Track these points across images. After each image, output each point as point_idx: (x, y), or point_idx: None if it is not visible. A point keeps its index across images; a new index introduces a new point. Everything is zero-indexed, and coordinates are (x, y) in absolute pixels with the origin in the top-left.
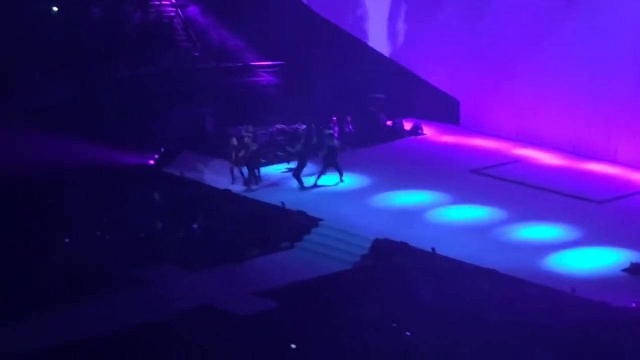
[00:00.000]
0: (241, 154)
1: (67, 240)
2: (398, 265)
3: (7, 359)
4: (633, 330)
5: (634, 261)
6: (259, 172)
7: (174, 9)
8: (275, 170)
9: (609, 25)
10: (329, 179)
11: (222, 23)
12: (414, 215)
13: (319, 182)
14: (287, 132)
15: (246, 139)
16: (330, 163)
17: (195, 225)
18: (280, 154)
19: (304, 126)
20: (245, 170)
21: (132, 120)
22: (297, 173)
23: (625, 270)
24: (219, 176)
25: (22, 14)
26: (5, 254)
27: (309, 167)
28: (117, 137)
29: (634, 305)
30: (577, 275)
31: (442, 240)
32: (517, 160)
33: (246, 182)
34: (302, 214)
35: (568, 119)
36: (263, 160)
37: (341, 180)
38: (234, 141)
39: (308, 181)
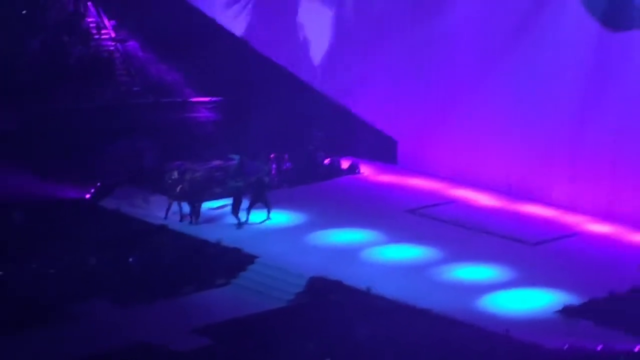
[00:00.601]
0: (182, 187)
1: (0, 273)
2: (333, 304)
3: None
4: None
5: (567, 303)
6: (199, 207)
7: (114, 44)
8: (211, 206)
9: (546, 66)
10: (257, 216)
11: (162, 58)
12: (349, 253)
13: (249, 219)
14: (224, 168)
15: (188, 174)
16: (259, 198)
17: (130, 260)
18: (217, 190)
19: (234, 160)
20: (184, 204)
21: (70, 154)
22: (234, 210)
23: (558, 312)
24: (155, 211)
25: None
26: None
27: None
28: (54, 170)
29: (566, 347)
30: (511, 317)
31: (377, 279)
32: (454, 201)
33: (183, 217)
34: (237, 250)
35: (504, 160)
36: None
37: (268, 218)
38: (175, 174)
39: (244, 217)
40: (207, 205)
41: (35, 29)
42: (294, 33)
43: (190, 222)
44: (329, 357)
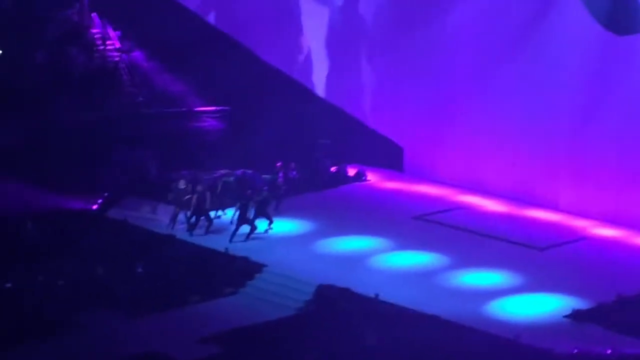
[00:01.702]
0: (190, 197)
1: (8, 285)
2: (341, 312)
3: None
4: None
5: (575, 307)
6: (209, 216)
7: (118, 54)
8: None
9: (550, 71)
10: (260, 226)
11: (167, 68)
12: (357, 261)
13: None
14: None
15: (200, 185)
16: (261, 212)
17: (138, 270)
18: (227, 200)
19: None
20: (189, 214)
21: (76, 165)
22: (240, 221)
23: (567, 316)
24: (162, 221)
25: None
26: None
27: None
28: (60, 181)
29: (576, 351)
30: (520, 322)
31: (385, 286)
32: (460, 207)
33: (191, 227)
34: (245, 259)
35: (511, 165)
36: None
37: (270, 228)
38: (182, 184)
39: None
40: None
41: (39, 41)
42: (299, 41)
43: (192, 232)
44: None
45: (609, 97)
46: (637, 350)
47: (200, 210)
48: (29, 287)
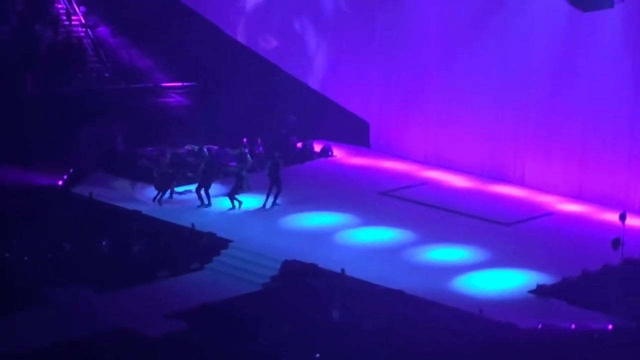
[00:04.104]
0: (159, 171)
1: None
2: (307, 287)
3: None
4: (540, 352)
5: (540, 283)
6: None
7: (84, 29)
8: (177, 190)
9: (516, 47)
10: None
11: (133, 44)
12: (323, 236)
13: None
14: (196, 153)
15: (162, 158)
16: (275, 181)
17: (104, 244)
18: (190, 174)
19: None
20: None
21: (42, 140)
22: (232, 193)
23: (531, 291)
24: (128, 196)
25: None
26: None
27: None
28: (25, 157)
29: (540, 326)
30: (485, 297)
31: (351, 261)
32: (426, 183)
33: (161, 201)
34: (211, 235)
35: (476, 141)
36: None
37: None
38: (146, 159)
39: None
40: (180, 190)
41: (4, 16)
42: (265, 17)
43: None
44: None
45: (575, 73)
46: (602, 325)
47: (167, 185)
48: None
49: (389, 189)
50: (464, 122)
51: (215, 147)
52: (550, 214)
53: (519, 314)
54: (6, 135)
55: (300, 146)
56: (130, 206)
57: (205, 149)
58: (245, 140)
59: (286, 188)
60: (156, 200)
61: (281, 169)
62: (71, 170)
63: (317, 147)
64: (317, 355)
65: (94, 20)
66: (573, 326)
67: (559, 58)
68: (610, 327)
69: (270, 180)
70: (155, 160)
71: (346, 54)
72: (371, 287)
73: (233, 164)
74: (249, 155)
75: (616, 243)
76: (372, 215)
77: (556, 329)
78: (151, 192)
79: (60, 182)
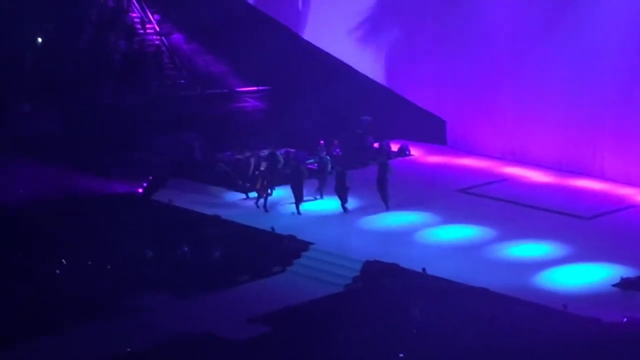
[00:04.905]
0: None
1: (58, 271)
2: (389, 287)
3: None
4: (626, 345)
5: (624, 276)
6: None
7: (158, 37)
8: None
9: (591, 39)
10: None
11: (207, 50)
12: (403, 236)
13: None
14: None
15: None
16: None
17: (185, 249)
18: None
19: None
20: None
21: (120, 149)
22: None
23: (615, 285)
24: (207, 202)
25: (7, 45)
26: None
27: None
28: (105, 165)
29: (625, 320)
30: (568, 292)
31: (432, 260)
32: (505, 179)
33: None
34: (292, 238)
35: (554, 136)
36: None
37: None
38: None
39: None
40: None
41: (80, 27)
42: (338, 20)
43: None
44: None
45: None
46: None
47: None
48: (78, 271)
49: (468, 186)
50: (540, 116)
51: (293, 150)
52: (631, 206)
53: (604, 308)
54: (85, 145)
55: (377, 146)
56: (209, 211)
57: (279, 153)
58: (322, 142)
59: (364, 189)
60: (260, 206)
61: (347, 177)
62: (150, 177)
63: (394, 147)
64: (401, 355)
65: (168, 28)
66: None
67: (635, 47)
68: None
69: (337, 188)
70: (235, 165)
71: (422, 53)
72: (453, 286)
73: (312, 166)
74: (328, 157)
75: None
76: (451, 213)
77: None
78: (230, 196)
79: (140, 190)
